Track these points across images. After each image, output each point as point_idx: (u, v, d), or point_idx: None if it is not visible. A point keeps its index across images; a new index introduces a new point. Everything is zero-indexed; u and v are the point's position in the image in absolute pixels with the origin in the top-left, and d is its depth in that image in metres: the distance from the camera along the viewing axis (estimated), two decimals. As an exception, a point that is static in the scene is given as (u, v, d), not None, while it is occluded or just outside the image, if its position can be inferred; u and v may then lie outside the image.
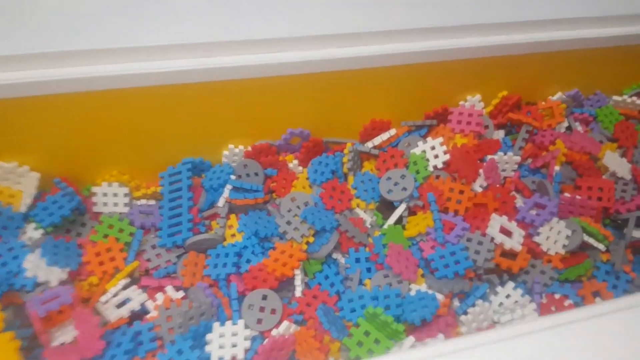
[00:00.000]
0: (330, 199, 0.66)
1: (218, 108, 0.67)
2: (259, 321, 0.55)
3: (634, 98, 0.80)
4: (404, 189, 0.65)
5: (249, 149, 0.69)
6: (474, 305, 0.57)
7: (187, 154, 0.69)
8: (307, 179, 0.70)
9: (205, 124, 0.68)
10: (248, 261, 0.61)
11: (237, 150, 0.70)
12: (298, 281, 0.59)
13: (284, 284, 0.60)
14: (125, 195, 0.64)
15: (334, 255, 0.65)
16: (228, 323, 0.54)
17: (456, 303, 0.60)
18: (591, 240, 0.65)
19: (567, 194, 0.69)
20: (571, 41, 0.74)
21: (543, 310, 0.60)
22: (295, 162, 0.72)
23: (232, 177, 0.67)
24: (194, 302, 0.55)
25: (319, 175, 0.68)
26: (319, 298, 0.59)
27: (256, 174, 0.68)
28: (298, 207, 0.65)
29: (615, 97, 0.82)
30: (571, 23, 0.74)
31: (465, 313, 0.57)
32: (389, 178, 0.67)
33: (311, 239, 0.62)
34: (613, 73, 0.82)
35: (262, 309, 0.56)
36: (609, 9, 0.75)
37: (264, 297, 0.56)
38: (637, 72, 0.84)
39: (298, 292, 0.59)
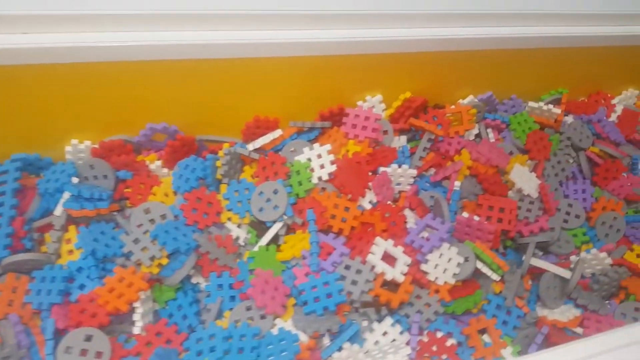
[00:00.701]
0: (194, 212, 0.59)
1: (61, 93, 0.58)
2: (79, 368, 0.48)
3: (550, 106, 0.77)
4: (276, 207, 0.59)
5: (97, 146, 0.60)
6: (340, 349, 0.52)
7: (21, 148, 0.59)
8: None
9: (46, 112, 0.59)
10: (82, 287, 0.53)
11: (82, 146, 0.61)
12: (137, 316, 0.52)
13: (128, 316, 0.53)
14: None
15: (195, 279, 0.58)
16: (38, 371, 0.46)
17: (327, 342, 0.55)
18: (485, 269, 0.62)
19: (465, 214, 0.65)
20: (485, 40, 0.69)
21: (422, 351, 0.56)
22: (159, 163, 0.63)
23: (75, 179, 0.58)
24: (3, 340, 0.47)
25: (183, 182, 0.61)
26: (164, 335, 0.52)
27: (105, 177, 0.60)
28: (152, 221, 0.57)
29: (532, 104, 0.78)
30: (484, 19, 0.68)
31: (330, 359, 0.52)
32: (261, 193, 0.60)
33: (164, 261, 0.55)
34: (531, 76, 0.79)
35: (84, 352, 0.48)
36: (525, 5, 0.70)
37: (89, 338, 0.49)
38: (555, 77, 0.80)
39: (137, 329, 0.52)
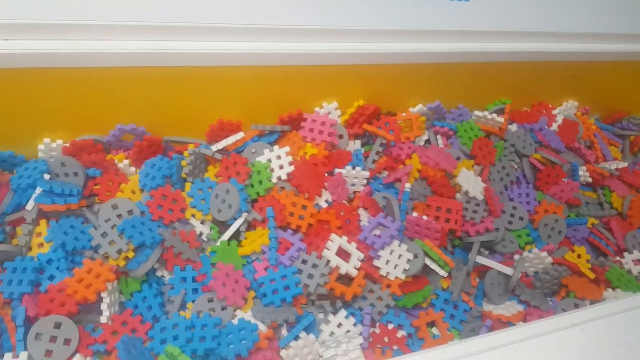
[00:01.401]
0: (159, 209, 0.62)
1: (35, 95, 0.61)
2: (48, 353, 0.51)
3: (494, 115, 0.83)
4: (230, 205, 0.63)
5: (68, 145, 0.63)
6: (297, 338, 0.56)
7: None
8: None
9: (20, 111, 0.62)
10: (51, 278, 0.56)
11: (54, 145, 0.64)
12: (105, 305, 0.55)
13: (95, 306, 0.56)
14: None
15: (160, 273, 0.61)
16: (8, 355, 0.49)
17: (284, 332, 0.59)
18: (433, 265, 0.66)
19: (415, 214, 0.69)
20: (434, 54, 0.74)
21: (374, 342, 0.60)
22: (127, 162, 0.67)
23: (46, 176, 0.61)
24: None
25: (150, 180, 0.64)
26: (129, 325, 0.55)
27: (75, 174, 0.63)
28: (120, 216, 0.61)
29: (477, 112, 0.84)
30: (433, 35, 0.74)
31: (287, 347, 0.56)
32: (216, 195, 0.64)
33: (130, 255, 0.58)
34: (477, 87, 0.85)
35: (53, 339, 0.51)
36: (468, 24, 0.76)
37: (57, 325, 0.52)
38: (500, 88, 0.86)
39: (104, 318, 0.55)
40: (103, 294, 0.55)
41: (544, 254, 0.71)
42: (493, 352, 0.47)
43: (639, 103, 1.03)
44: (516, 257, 0.73)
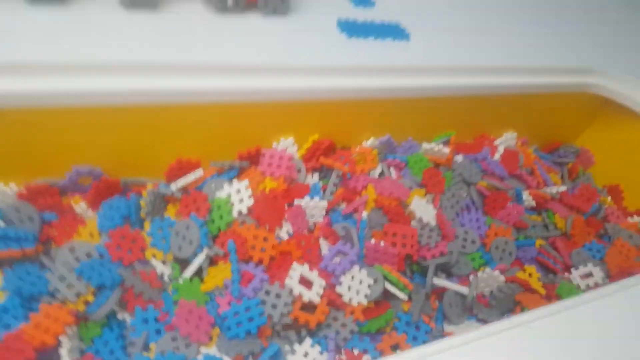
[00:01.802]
0: (118, 249, 0.59)
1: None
2: (0, 405, 0.45)
3: (441, 146, 0.83)
4: (191, 242, 0.60)
5: (23, 189, 0.59)
6: (261, 369, 0.53)
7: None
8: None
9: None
10: (8, 326, 0.51)
11: (7, 189, 0.60)
12: (64, 351, 0.50)
13: (55, 354, 0.51)
14: None
15: (121, 316, 0.57)
16: (-46, 412, 0.43)
17: (250, 364, 0.55)
18: (393, 289, 0.65)
19: (373, 240, 0.68)
20: (382, 90, 0.74)
21: (340, 367, 0.57)
22: (84, 205, 0.63)
23: (0, 222, 0.57)
24: None
25: (108, 221, 0.60)
26: (89, 369, 0.50)
27: (31, 219, 0.59)
28: (78, 259, 0.57)
29: (425, 145, 0.84)
30: (378, 72, 0.74)
31: (252, 379, 0.52)
32: (177, 232, 0.61)
33: (90, 298, 0.54)
34: (424, 121, 0.85)
35: (6, 390, 0.46)
36: (412, 59, 0.77)
37: (10, 375, 0.47)
38: (445, 121, 0.88)
39: (62, 365, 0.50)
40: (62, 338, 0.50)
41: (497, 272, 0.71)
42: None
43: (572, 133, 1.06)
44: (471, 277, 0.72)
